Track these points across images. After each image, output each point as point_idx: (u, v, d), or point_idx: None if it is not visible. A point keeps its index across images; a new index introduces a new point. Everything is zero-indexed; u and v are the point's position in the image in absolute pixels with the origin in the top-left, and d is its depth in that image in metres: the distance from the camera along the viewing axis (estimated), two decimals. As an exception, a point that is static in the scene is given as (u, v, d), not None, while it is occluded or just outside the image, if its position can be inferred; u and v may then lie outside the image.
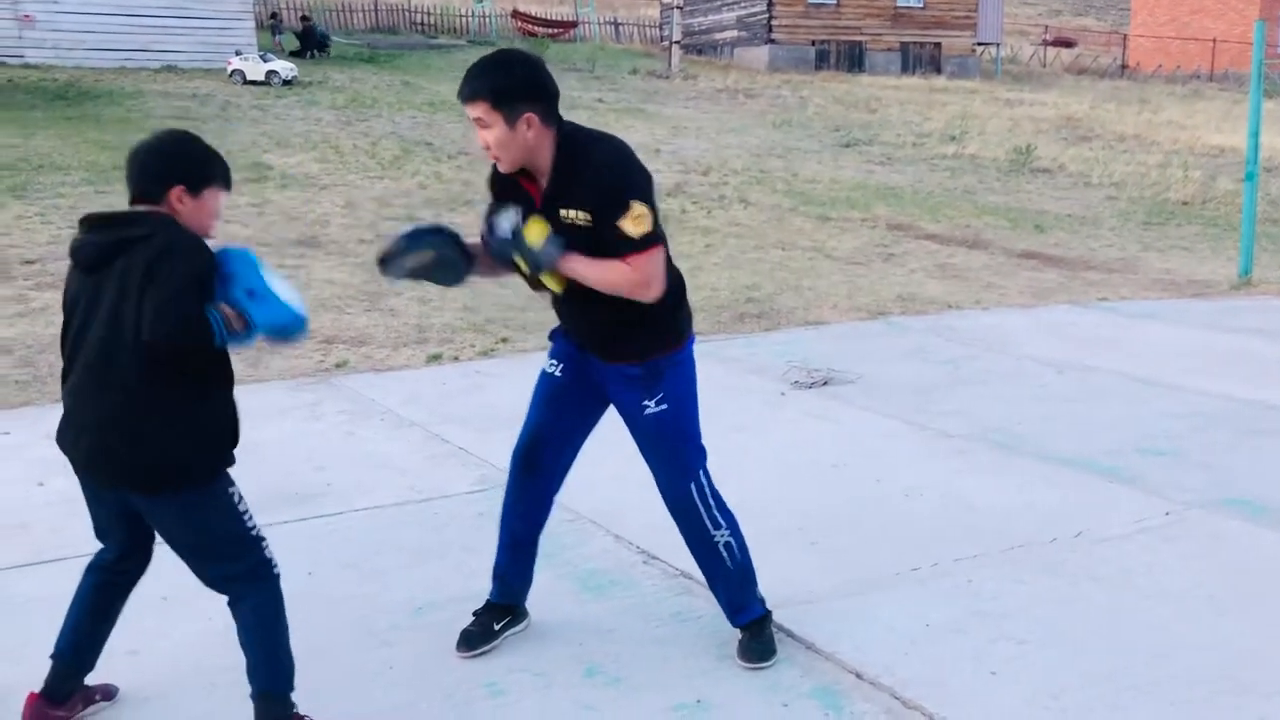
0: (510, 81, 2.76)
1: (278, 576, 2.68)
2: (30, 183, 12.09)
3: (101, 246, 2.48)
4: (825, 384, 5.91)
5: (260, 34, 24.82)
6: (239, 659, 3.12)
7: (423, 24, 34.84)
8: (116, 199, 11.95)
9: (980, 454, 4.93)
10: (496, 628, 3.22)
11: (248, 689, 2.72)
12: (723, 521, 3.13)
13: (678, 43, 29.56)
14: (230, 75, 21.02)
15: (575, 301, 2.97)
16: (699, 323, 7.60)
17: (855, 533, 4.09)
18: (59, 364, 2.60)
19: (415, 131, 16.83)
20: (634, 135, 17.86)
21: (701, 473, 3.12)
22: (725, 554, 3.13)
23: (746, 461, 4.71)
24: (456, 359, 6.65)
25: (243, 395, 5.81)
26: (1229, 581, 3.66)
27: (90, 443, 2.51)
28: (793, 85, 27.04)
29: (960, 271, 10.04)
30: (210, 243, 2.55)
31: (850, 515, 4.25)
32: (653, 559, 3.85)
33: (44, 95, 18.12)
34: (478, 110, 2.76)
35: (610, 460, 4.90)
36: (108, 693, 2.89)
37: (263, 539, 2.66)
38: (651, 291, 2.88)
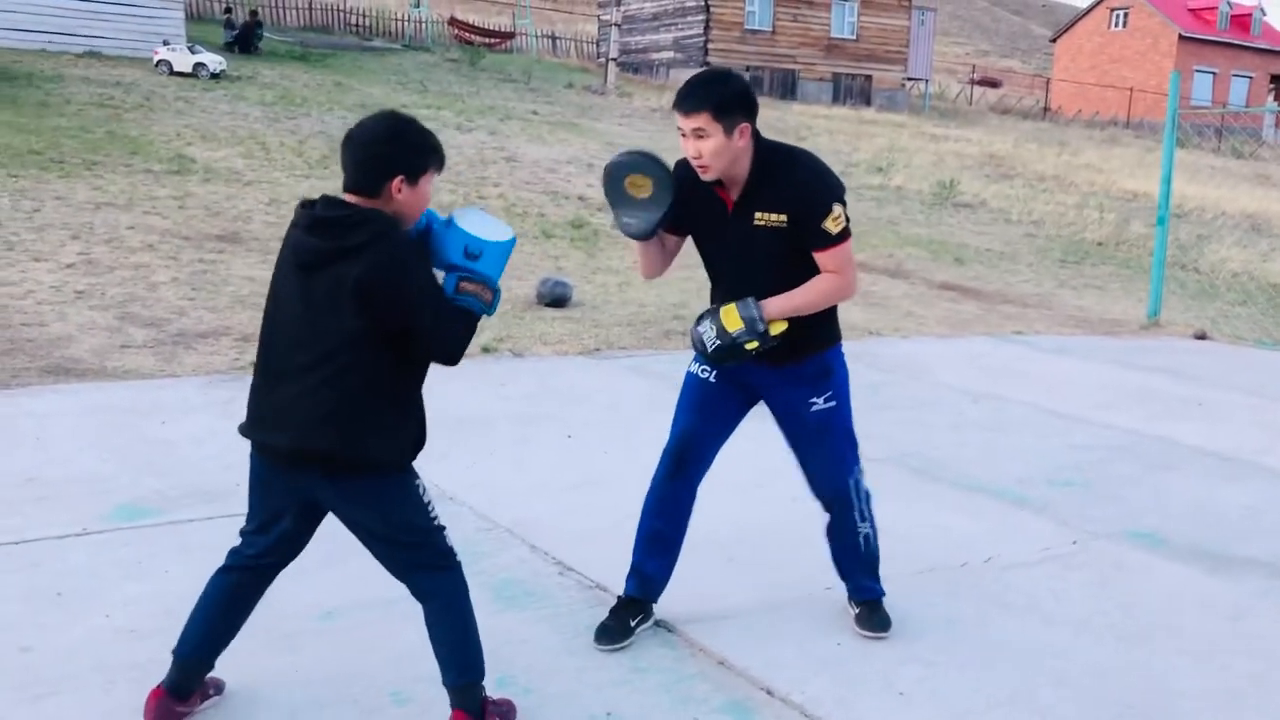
0: (731, 95, 2.99)
1: (460, 566, 2.70)
2: (-61, 162, 11.68)
3: (321, 253, 2.46)
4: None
5: (190, 25, 24.33)
6: (139, 656, 3.03)
7: (358, 25, 34.48)
8: (29, 183, 11.60)
9: (895, 478, 5.00)
10: (632, 624, 3.34)
11: (152, 685, 2.67)
12: (868, 515, 3.41)
13: (614, 60, 29.66)
14: (156, 65, 20.56)
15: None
16: (624, 338, 7.65)
17: (771, 550, 4.11)
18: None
19: (344, 132, 16.61)
20: (568, 149, 17.88)
21: (858, 469, 3.37)
22: (864, 544, 3.41)
23: (666, 477, 4.71)
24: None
25: (155, 391, 5.63)
26: (1130, 610, 3.76)
27: (299, 427, 2.48)
28: (726, 108, 27.24)
29: (881, 300, 10.20)
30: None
31: (767, 533, 4.27)
32: (568, 570, 3.83)
33: (-42, 74, 17.55)
34: (699, 121, 2.97)
35: (531, 470, 4.88)
36: (219, 686, 2.84)
37: (444, 528, 2.68)
38: (852, 286, 3.17)
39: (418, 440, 2.63)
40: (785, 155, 3.11)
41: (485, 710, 2.70)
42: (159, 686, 2.70)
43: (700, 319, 3.18)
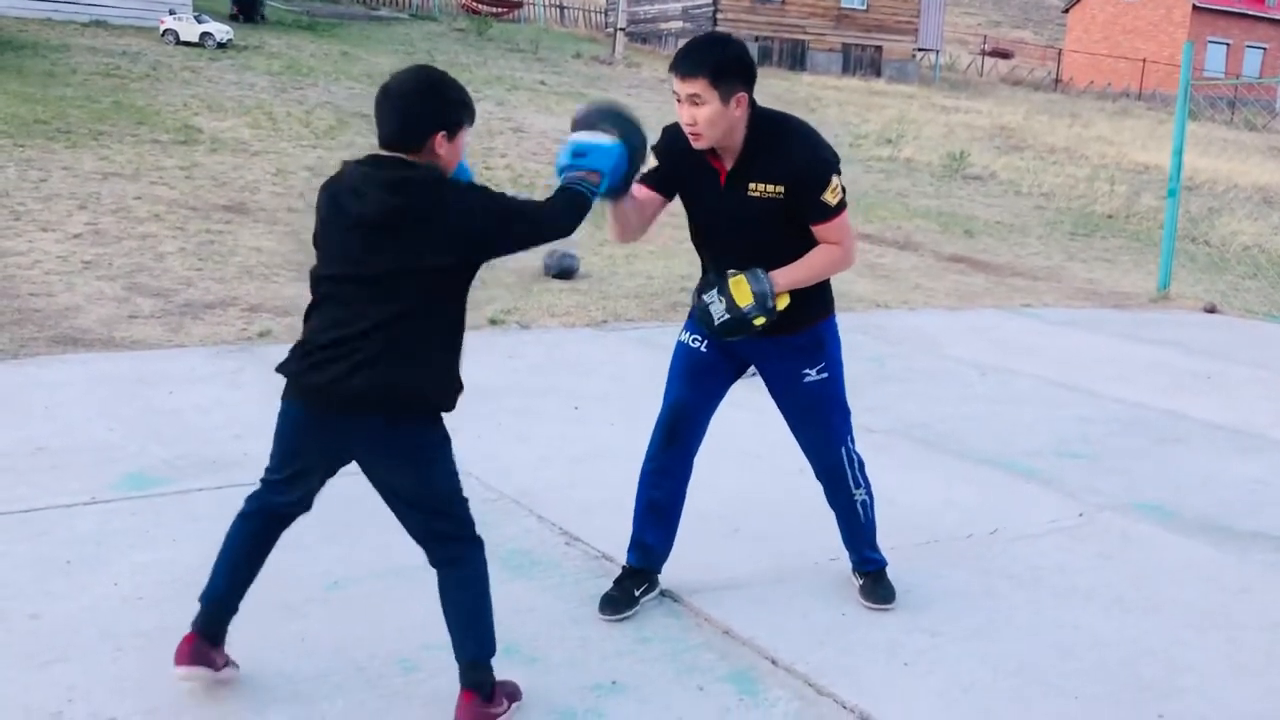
0: (728, 62, 2.93)
1: (481, 540, 2.71)
2: (-54, 132, 11.67)
3: (396, 210, 2.46)
4: (753, 375, 5.94)
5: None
6: (146, 624, 3.05)
7: (364, -5, 34.24)
8: (36, 153, 11.59)
9: (901, 450, 5.00)
10: (637, 594, 3.33)
11: (160, 652, 2.68)
12: (862, 482, 3.41)
13: (623, 30, 29.47)
14: (162, 35, 20.45)
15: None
16: (631, 310, 7.64)
17: (776, 521, 4.12)
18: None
19: (352, 102, 16.55)
20: (574, 119, 17.76)
21: (850, 437, 3.36)
22: (861, 511, 3.42)
23: (672, 448, 4.71)
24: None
25: (163, 361, 5.64)
26: (1136, 583, 3.76)
27: (365, 381, 2.48)
28: (735, 79, 27.09)
29: (890, 272, 10.16)
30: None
31: (772, 504, 4.28)
32: (575, 540, 3.84)
33: (-36, 43, 17.50)
34: (695, 86, 2.90)
35: (538, 442, 4.88)
36: (236, 664, 2.83)
37: (468, 500, 2.70)
38: (851, 256, 3.17)
39: (460, 386, 2.66)
40: (781, 125, 3.06)
41: (494, 693, 2.69)
42: (191, 631, 2.71)
43: (705, 289, 3.13)
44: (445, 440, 2.64)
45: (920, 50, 37.90)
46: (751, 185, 3.03)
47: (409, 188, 2.49)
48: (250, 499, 2.76)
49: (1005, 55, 50.60)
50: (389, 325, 2.49)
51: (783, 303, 3.07)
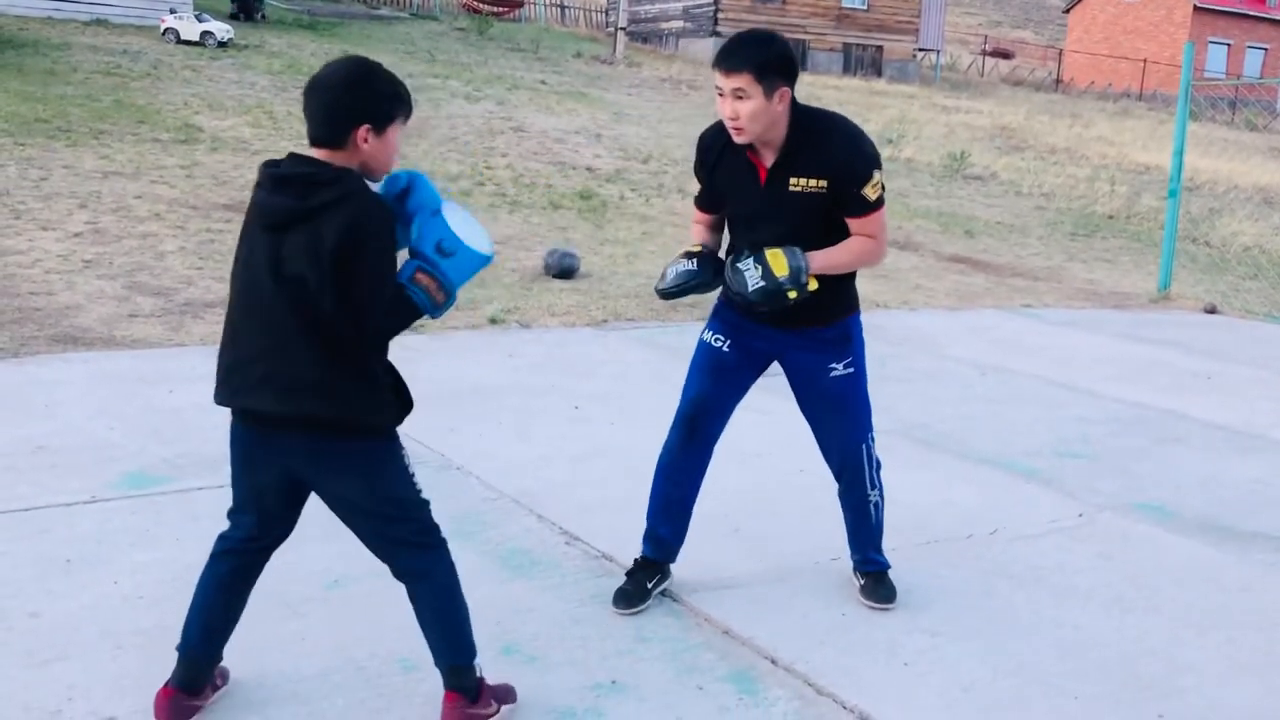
0: (773, 57, 2.95)
1: (445, 544, 2.61)
2: (-54, 131, 11.66)
3: (291, 212, 2.34)
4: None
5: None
6: (146, 622, 3.05)
7: (365, -6, 34.24)
8: (36, 152, 11.58)
9: (902, 450, 5.00)
10: (650, 585, 3.36)
11: (157, 651, 2.66)
12: (878, 483, 3.42)
13: (623, 29, 29.46)
14: (163, 34, 20.45)
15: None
16: (632, 309, 7.63)
17: (777, 521, 4.12)
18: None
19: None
20: (576, 119, 17.79)
21: (870, 436, 3.37)
22: (873, 512, 3.43)
23: (673, 447, 4.71)
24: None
25: (163, 360, 5.64)
26: (1135, 583, 3.76)
27: (283, 390, 2.38)
28: (735, 79, 27.07)
29: (890, 272, 10.16)
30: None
31: (773, 504, 4.28)
32: (575, 540, 3.84)
33: (-35, 41, 17.50)
34: (740, 81, 2.92)
35: (538, 441, 4.88)
36: (225, 675, 2.76)
37: (428, 503, 2.59)
38: (884, 250, 3.21)
39: (405, 401, 2.53)
40: (824, 121, 3.09)
41: (481, 692, 2.64)
42: (167, 685, 2.60)
43: (739, 258, 3.10)
44: (392, 445, 2.51)
45: (921, 50, 37.89)
46: (794, 180, 3.05)
47: (295, 184, 2.35)
48: (217, 540, 2.65)
49: (1006, 55, 50.60)
50: (305, 345, 2.36)
51: (813, 284, 3.07)
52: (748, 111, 2.94)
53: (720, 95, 2.99)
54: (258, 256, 2.40)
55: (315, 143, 2.42)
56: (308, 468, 2.50)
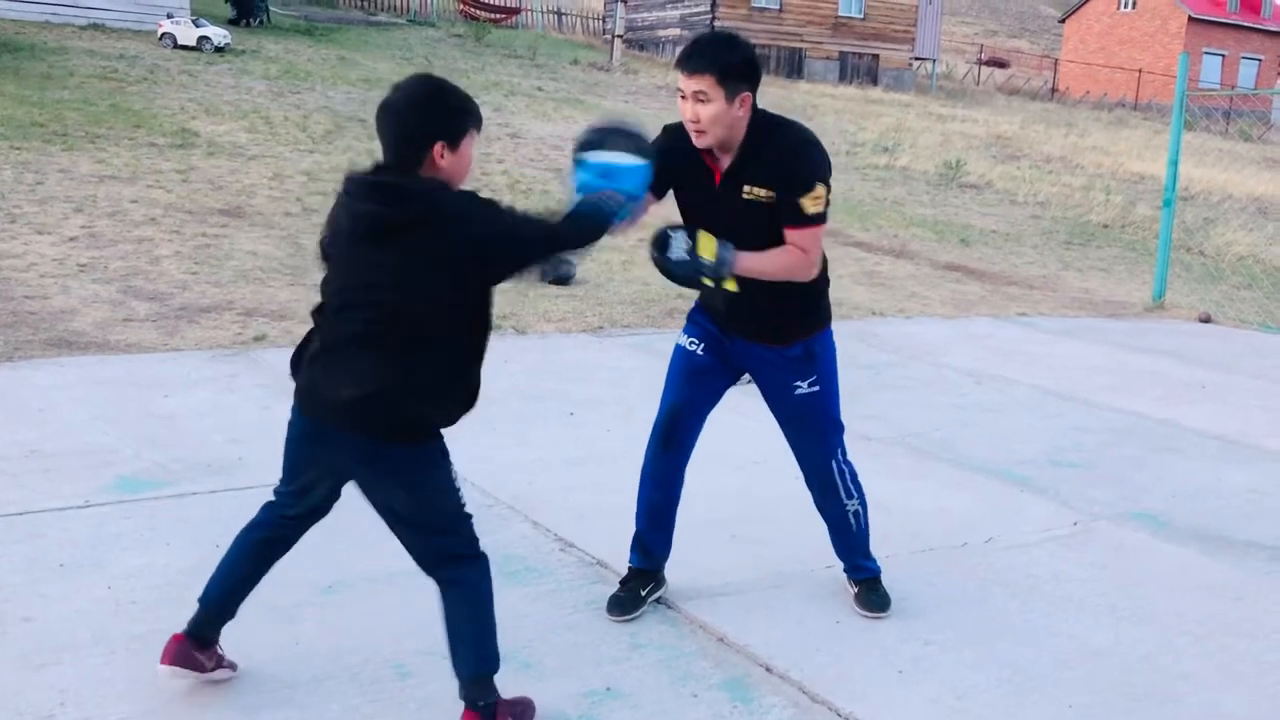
0: (737, 61, 2.92)
1: (485, 556, 2.64)
2: (-58, 134, 11.65)
3: (387, 220, 2.39)
4: (749, 382, 5.94)
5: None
6: (139, 627, 3.04)
7: (363, 0, 34.30)
8: (32, 156, 11.57)
9: (896, 458, 5.00)
10: (643, 593, 3.36)
11: (152, 655, 2.66)
12: (855, 492, 3.39)
13: (620, 37, 29.53)
14: (160, 38, 20.47)
15: (741, 290, 3.06)
16: (627, 316, 7.63)
17: (772, 528, 4.11)
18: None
19: (349, 107, 16.56)
20: (572, 126, 17.79)
21: (840, 450, 3.35)
22: (854, 521, 3.41)
23: (668, 454, 4.71)
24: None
25: (158, 364, 5.64)
26: (1130, 591, 3.76)
27: (353, 393, 2.43)
28: (732, 87, 27.12)
29: (886, 280, 10.17)
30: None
31: (768, 511, 4.27)
32: (569, 546, 3.83)
33: (-39, 45, 17.48)
34: (702, 84, 2.89)
35: (533, 447, 4.88)
36: (233, 665, 2.82)
37: (471, 516, 2.63)
38: (813, 269, 3.08)
39: (466, 405, 2.58)
40: (780, 129, 3.03)
41: (497, 711, 2.63)
42: (180, 632, 2.70)
43: (676, 229, 3.04)
44: (441, 455, 2.57)
45: (917, 59, 37.99)
46: (746, 188, 3.00)
47: (401, 196, 2.41)
48: (262, 509, 2.74)
49: (1002, 65, 50.76)
50: (378, 339, 2.43)
51: (733, 285, 3.02)
52: (709, 115, 2.91)
53: (681, 97, 2.96)
54: (351, 262, 2.47)
55: (394, 165, 2.46)
56: (359, 471, 2.56)
